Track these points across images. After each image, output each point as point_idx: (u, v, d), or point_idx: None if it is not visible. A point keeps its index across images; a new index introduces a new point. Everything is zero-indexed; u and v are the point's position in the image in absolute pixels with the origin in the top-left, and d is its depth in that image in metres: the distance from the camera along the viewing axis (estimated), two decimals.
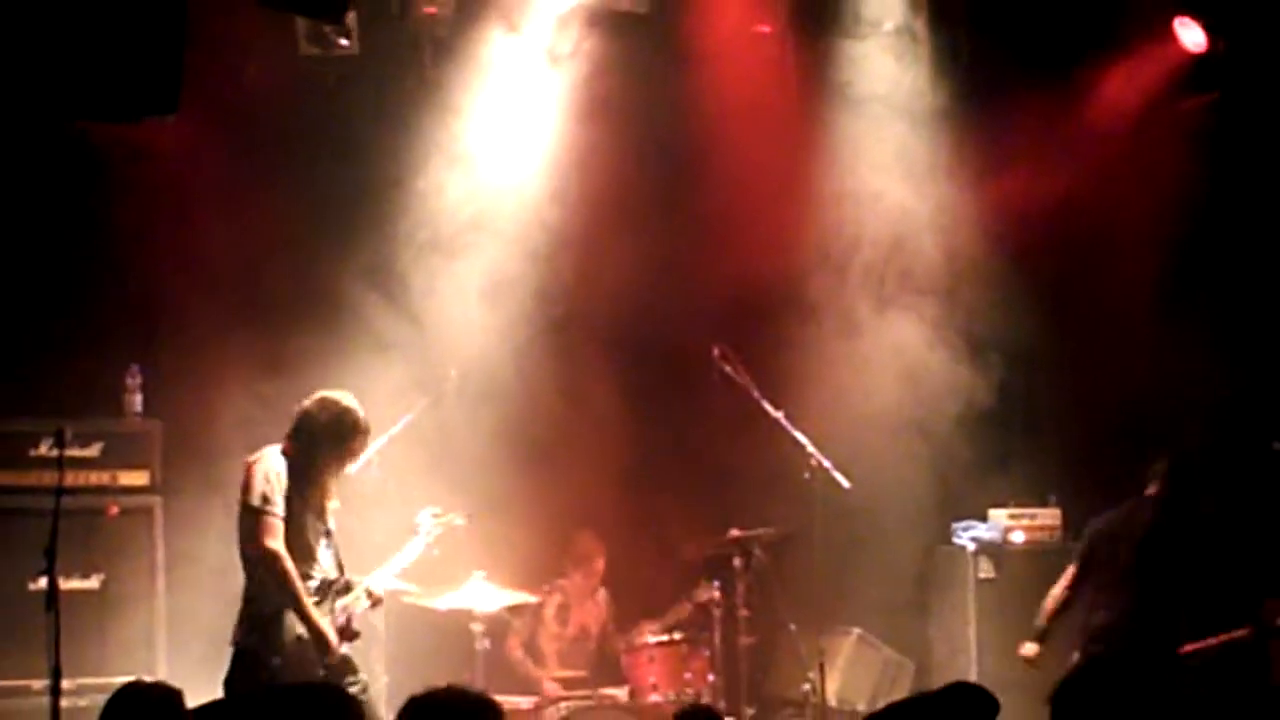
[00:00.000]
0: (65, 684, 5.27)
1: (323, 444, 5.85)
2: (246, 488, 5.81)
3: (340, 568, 6.00)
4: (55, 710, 5.22)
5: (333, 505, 6.13)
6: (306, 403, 5.93)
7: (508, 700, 6.31)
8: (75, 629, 5.70)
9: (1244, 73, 7.48)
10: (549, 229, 7.41)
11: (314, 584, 5.86)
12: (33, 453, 6.40)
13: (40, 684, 5.50)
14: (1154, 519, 6.22)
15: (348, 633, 5.98)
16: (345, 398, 5.97)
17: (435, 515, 6.26)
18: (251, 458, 5.93)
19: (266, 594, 5.77)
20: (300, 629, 5.81)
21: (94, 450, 6.58)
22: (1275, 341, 7.45)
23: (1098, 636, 6.23)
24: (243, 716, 3.79)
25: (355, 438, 5.96)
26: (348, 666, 5.95)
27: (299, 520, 5.88)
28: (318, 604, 5.87)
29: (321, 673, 5.89)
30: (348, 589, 5.94)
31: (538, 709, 6.79)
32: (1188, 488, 6.45)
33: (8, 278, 6.68)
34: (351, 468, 6.20)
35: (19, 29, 4.59)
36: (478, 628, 6.45)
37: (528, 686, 7.17)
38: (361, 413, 5.93)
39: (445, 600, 6.45)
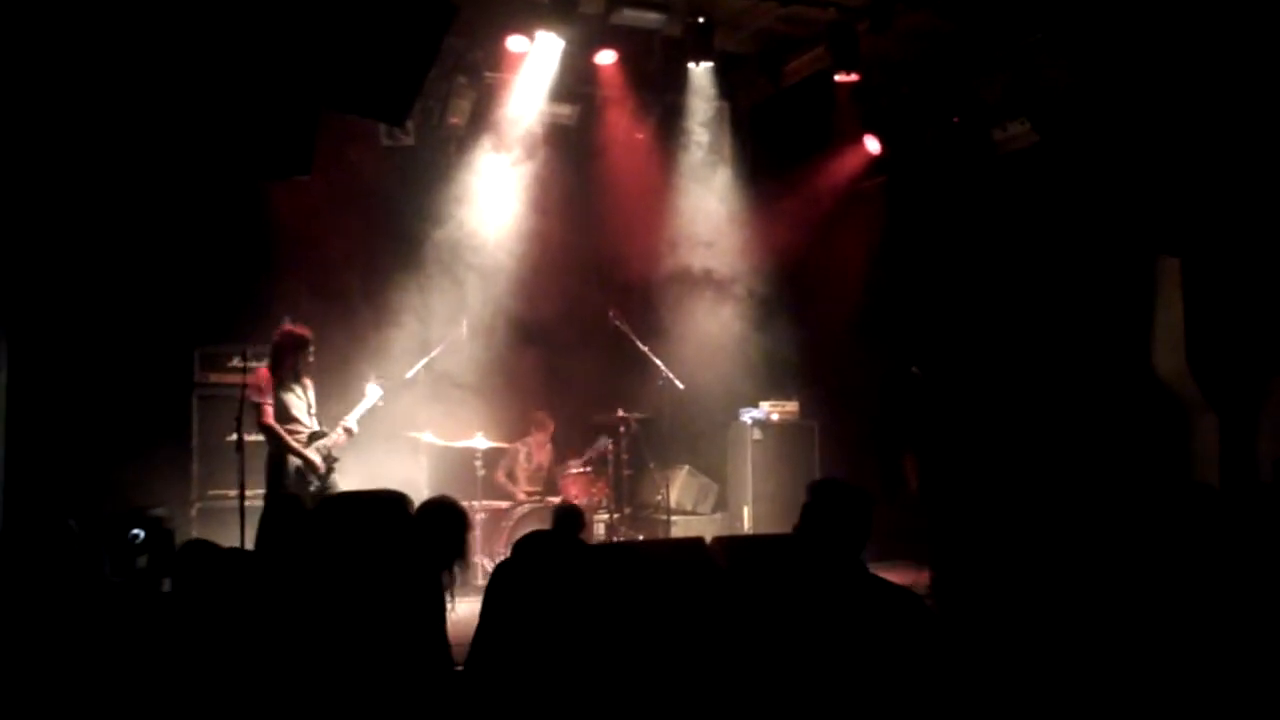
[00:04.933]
0: (248, 494, 7.14)
1: (283, 353, 7.37)
2: (254, 390, 7.20)
3: (318, 423, 7.36)
4: (241, 509, 7.01)
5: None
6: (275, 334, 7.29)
7: (495, 504, 8.72)
8: (253, 463, 7.39)
9: (900, 168, 9.81)
10: (514, 255, 9.53)
11: (302, 436, 7.32)
12: (229, 364, 8.52)
13: (233, 493, 7.29)
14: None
15: (330, 459, 7.30)
16: (289, 324, 7.38)
17: (379, 381, 7.65)
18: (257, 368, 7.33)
19: (272, 449, 7.25)
20: (296, 463, 7.30)
21: (263, 363, 7.84)
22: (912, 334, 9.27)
23: None
24: (337, 512, 4.42)
25: (297, 346, 7.29)
26: (331, 481, 7.29)
27: (283, 401, 7.28)
28: (305, 445, 7.26)
29: (313, 488, 7.18)
30: (324, 435, 7.37)
31: (510, 509, 8.81)
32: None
33: (223, 271, 8.54)
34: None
35: (215, 120, 6.06)
36: (478, 461, 8.65)
37: (507, 496, 9.19)
38: (299, 333, 7.30)
39: (460, 444, 8.69)
